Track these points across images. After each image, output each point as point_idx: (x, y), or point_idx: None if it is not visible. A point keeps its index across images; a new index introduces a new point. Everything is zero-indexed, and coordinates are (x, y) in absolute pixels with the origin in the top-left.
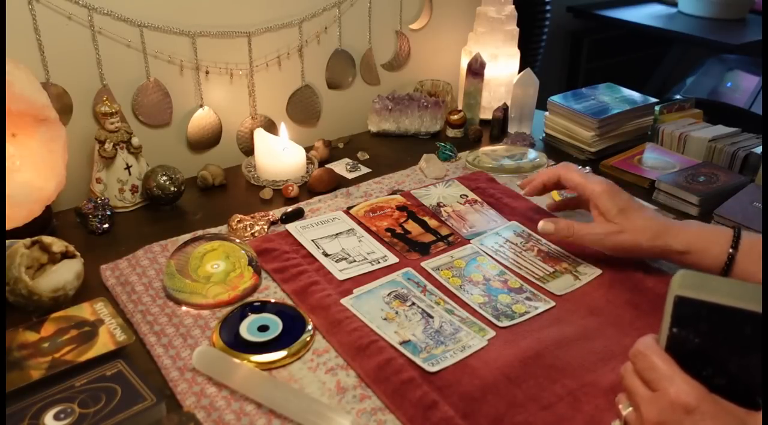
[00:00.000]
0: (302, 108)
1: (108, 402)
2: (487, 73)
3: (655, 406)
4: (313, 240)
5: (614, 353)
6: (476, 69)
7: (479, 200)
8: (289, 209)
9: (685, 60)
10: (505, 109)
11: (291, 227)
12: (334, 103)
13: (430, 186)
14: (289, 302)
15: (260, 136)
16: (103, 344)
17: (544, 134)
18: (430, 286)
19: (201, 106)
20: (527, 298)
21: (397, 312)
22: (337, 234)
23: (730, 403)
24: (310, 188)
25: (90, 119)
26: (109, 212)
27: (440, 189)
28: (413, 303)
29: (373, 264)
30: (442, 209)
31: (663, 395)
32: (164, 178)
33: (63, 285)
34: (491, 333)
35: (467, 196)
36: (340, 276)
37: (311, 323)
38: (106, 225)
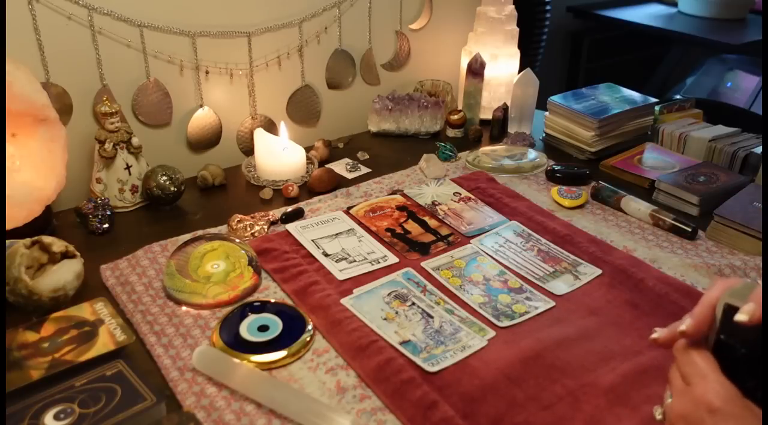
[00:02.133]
0: (302, 108)
1: (108, 402)
2: (487, 73)
3: (682, 399)
4: (313, 240)
5: (614, 353)
6: (476, 69)
7: (473, 197)
8: (289, 209)
9: (685, 60)
10: (505, 109)
11: (291, 227)
12: (334, 103)
13: (423, 185)
14: (289, 302)
15: (260, 136)
16: (103, 344)
17: (544, 134)
18: (430, 286)
19: (201, 106)
20: (527, 298)
21: (397, 312)
22: (337, 234)
23: (758, 409)
24: (310, 188)
25: (90, 119)
26: (109, 212)
27: (433, 188)
28: (413, 303)
29: (373, 264)
30: (437, 207)
31: (691, 390)
32: (164, 178)
33: (63, 285)
34: (491, 333)
35: (460, 194)
36: (340, 276)
37: (311, 323)
38: (106, 225)
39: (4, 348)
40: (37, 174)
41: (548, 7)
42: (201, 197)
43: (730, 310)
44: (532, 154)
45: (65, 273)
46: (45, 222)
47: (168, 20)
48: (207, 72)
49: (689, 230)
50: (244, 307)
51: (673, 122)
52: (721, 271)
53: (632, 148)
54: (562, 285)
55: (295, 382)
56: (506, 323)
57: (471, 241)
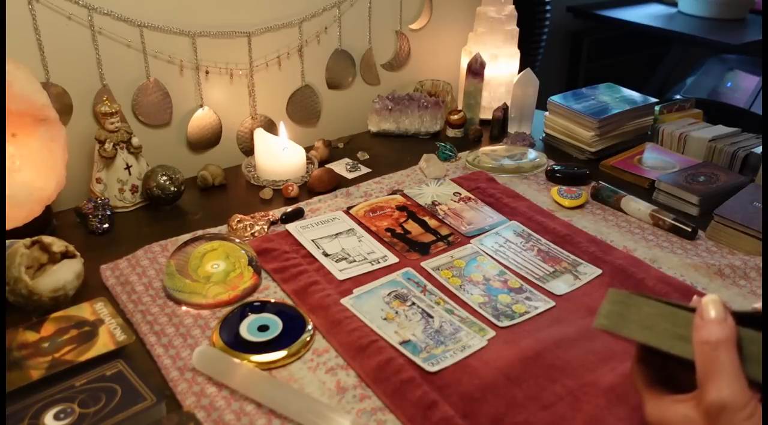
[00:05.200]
0: (302, 108)
1: (108, 402)
2: (487, 73)
3: None
4: (313, 240)
5: (614, 353)
6: (476, 69)
7: (473, 197)
8: (289, 209)
9: (685, 60)
10: (505, 109)
11: (291, 227)
12: (334, 103)
13: (423, 185)
14: (289, 302)
15: (260, 136)
16: (103, 344)
17: (544, 134)
18: (430, 286)
19: (201, 106)
20: (527, 298)
21: (397, 312)
22: (337, 234)
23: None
24: (310, 188)
25: (90, 119)
26: (109, 212)
27: (433, 188)
28: (413, 303)
29: (373, 264)
30: (437, 207)
31: None
32: (164, 178)
33: (63, 285)
34: (491, 333)
35: (460, 194)
36: (340, 276)
37: (311, 323)
38: (106, 225)
39: (4, 348)
40: (37, 174)
41: (548, 7)
42: (201, 197)
43: (605, 330)
44: (532, 154)
45: (65, 273)
46: (45, 222)
47: (168, 20)
48: (207, 72)
49: (689, 230)
50: (244, 307)
51: (673, 122)
52: (721, 271)
53: (632, 148)
54: (562, 285)
55: (295, 382)
56: (506, 323)
57: (471, 241)
